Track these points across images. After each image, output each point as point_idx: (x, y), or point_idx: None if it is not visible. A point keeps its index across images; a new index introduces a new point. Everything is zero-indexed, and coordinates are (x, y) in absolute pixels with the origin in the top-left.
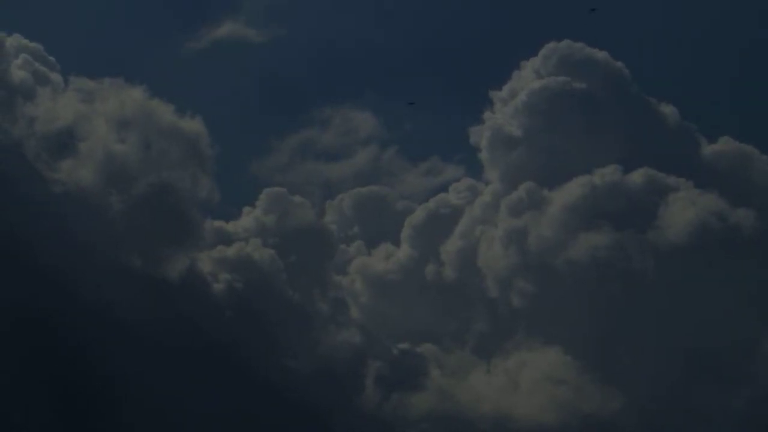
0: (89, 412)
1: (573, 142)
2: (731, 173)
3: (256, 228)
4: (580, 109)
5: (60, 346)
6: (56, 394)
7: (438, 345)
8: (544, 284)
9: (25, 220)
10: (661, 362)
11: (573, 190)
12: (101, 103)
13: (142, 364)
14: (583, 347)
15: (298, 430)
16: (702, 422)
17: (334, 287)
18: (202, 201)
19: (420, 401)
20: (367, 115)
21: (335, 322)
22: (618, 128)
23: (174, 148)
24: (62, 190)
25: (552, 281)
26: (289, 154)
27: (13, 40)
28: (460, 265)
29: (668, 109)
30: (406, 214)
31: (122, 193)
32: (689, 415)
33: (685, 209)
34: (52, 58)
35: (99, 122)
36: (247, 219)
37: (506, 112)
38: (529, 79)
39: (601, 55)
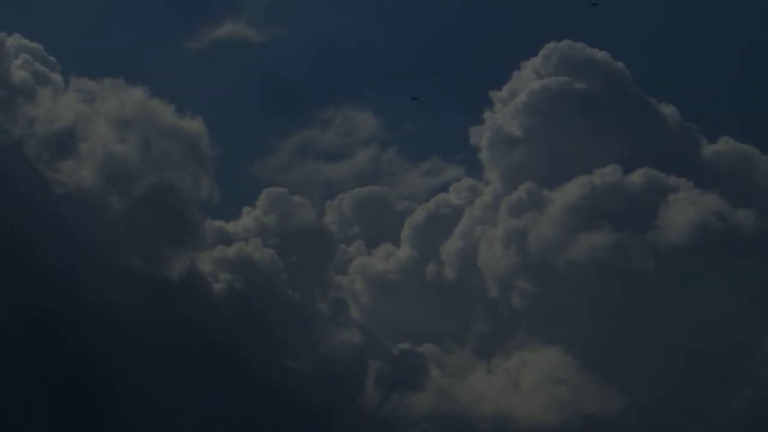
0: (89, 412)
1: (573, 142)
2: (731, 173)
3: (256, 228)
4: (581, 109)
5: (60, 346)
6: (56, 394)
7: (438, 345)
8: (545, 284)
9: (25, 220)
10: (661, 362)
11: (573, 190)
12: (101, 104)
13: (142, 364)
14: (583, 347)
15: (298, 430)
16: (702, 422)
17: (335, 287)
18: (202, 201)
19: (420, 401)
20: (367, 115)
21: (335, 322)
22: (618, 128)
23: (174, 148)
24: (62, 190)
25: (552, 281)
26: (289, 154)
27: (13, 40)
28: (460, 265)
29: (668, 109)
30: (406, 214)
31: (122, 193)
32: (689, 415)
33: (685, 209)
34: (52, 58)
35: (99, 122)
36: (248, 219)
37: (506, 112)
38: (529, 79)
39: (602, 55)
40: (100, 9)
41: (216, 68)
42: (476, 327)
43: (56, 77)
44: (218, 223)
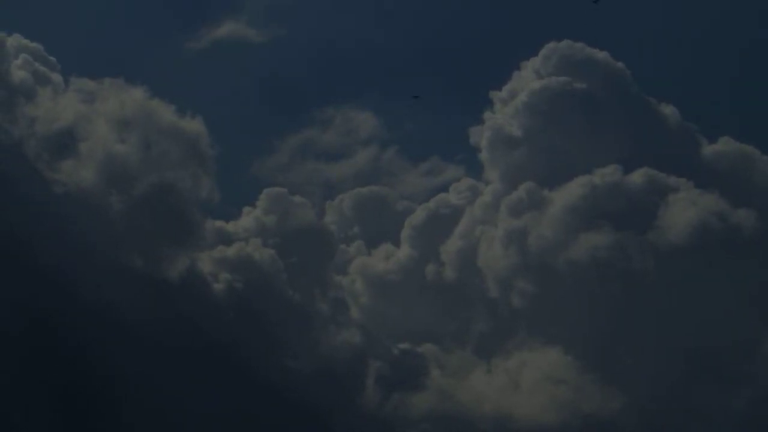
0: (89, 412)
1: (573, 142)
2: (732, 173)
3: (256, 228)
4: (581, 109)
5: (60, 346)
6: (56, 394)
7: (438, 345)
8: (545, 284)
9: (25, 220)
10: (661, 362)
11: (573, 190)
12: (101, 104)
13: (142, 364)
14: (583, 347)
15: (298, 430)
16: (702, 422)
17: (335, 287)
18: (202, 201)
19: (420, 401)
20: (367, 115)
21: (335, 322)
22: (618, 128)
23: (174, 148)
24: (63, 190)
25: (552, 281)
26: (289, 154)
27: (13, 40)
28: (460, 265)
29: (668, 109)
30: (406, 214)
31: (122, 194)
32: (689, 415)
33: (685, 209)
34: (52, 58)
35: (99, 122)
36: (248, 219)
37: (506, 112)
38: (529, 79)
39: (602, 55)
40: (100, 9)
41: (216, 68)
42: (476, 327)
43: (56, 77)
44: (218, 223)
